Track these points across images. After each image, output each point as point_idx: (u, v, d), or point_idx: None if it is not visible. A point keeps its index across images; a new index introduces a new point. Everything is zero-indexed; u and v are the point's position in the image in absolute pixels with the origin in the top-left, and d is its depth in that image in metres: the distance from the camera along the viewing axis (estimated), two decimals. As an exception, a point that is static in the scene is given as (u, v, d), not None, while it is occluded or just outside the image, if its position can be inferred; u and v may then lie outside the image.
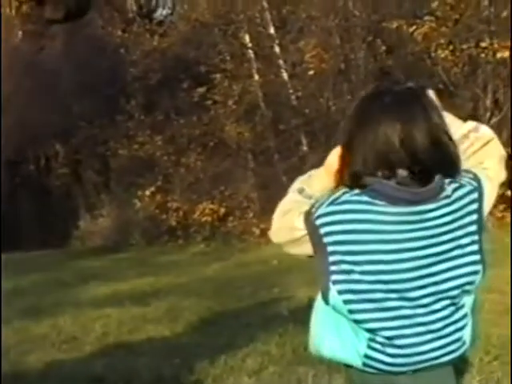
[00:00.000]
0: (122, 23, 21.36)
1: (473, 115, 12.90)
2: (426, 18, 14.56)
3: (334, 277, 2.19)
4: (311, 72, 15.98)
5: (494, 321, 6.28)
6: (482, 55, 14.19)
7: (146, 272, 11.78)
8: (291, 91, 16.63)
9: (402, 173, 2.18)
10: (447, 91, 13.98)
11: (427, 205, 2.18)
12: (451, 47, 14.46)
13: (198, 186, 17.37)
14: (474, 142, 2.36)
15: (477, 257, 2.23)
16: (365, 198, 2.17)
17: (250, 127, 17.19)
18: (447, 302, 2.21)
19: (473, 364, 5.29)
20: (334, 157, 2.30)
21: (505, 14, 14.15)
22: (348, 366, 2.31)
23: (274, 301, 8.42)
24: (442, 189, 2.20)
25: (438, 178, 2.18)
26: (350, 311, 2.19)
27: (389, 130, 2.17)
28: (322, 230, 2.19)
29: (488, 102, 14.52)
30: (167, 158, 18.19)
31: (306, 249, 2.25)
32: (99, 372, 5.90)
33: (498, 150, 2.40)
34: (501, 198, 13.79)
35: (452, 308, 2.22)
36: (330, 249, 2.18)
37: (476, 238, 2.23)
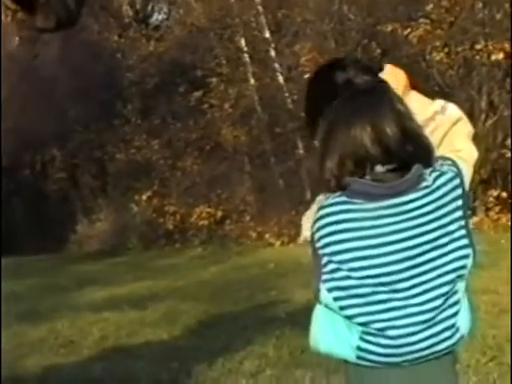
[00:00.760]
0: (118, 28, 21.36)
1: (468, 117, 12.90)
2: (421, 20, 14.61)
3: (324, 276, 2.24)
4: (307, 75, 16.00)
5: (490, 322, 6.29)
6: (477, 57, 14.23)
7: (144, 276, 11.79)
8: (287, 95, 16.63)
9: (379, 169, 2.22)
10: (442, 93, 14.00)
11: (407, 196, 2.21)
12: (446, 50, 14.50)
13: (194, 189, 17.40)
14: (440, 124, 2.40)
15: (466, 241, 2.26)
16: (343, 199, 2.22)
17: (247, 131, 17.22)
18: (439, 290, 2.23)
19: (469, 365, 5.31)
20: None
21: (499, 16, 14.20)
22: (345, 362, 2.34)
23: (271, 304, 8.43)
24: (421, 178, 2.23)
25: (415, 168, 2.22)
26: (341, 307, 2.23)
27: (359, 131, 2.22)
28: (315, 236, 2.26)
29: (483, 104, 14.53)
30: (164, 161, 18.22)
31: None
32: (97, 376, 5.93)
33: (466, 129, 2.44)
34: (496, 200, 13.83)
35: (444, 296, 2.24)
36: (320, 252, 2.25)
37: (463, 223, 2.26)
